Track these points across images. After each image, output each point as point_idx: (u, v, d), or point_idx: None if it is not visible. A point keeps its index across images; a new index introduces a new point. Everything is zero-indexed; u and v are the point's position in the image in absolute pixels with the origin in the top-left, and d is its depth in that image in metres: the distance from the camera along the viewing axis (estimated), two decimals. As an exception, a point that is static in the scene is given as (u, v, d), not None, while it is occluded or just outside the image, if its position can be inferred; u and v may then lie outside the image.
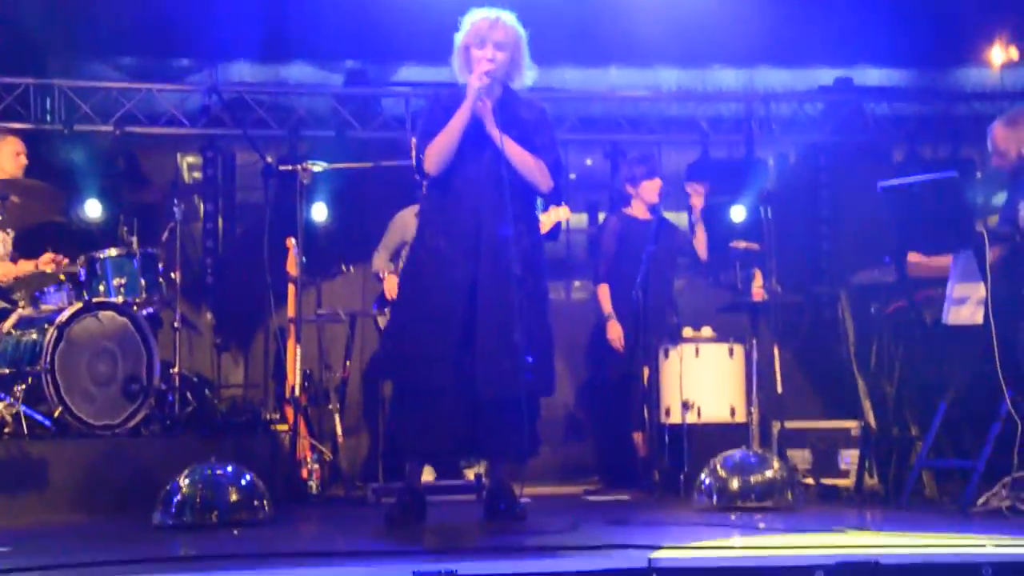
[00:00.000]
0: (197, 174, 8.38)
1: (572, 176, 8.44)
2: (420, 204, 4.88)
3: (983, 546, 3.69)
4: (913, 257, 5.53)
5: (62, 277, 6.24)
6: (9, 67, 7.59)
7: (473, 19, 4.70)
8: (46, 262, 6.26)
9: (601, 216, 8.06)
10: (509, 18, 4.71)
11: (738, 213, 7.95)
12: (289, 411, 6.31)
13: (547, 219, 6.15)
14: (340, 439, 6.49)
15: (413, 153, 4.78)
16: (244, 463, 4.88)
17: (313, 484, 6.07)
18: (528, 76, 4.77)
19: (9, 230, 6.25)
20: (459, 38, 4.72)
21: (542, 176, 4.72)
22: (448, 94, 4.77)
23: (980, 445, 5.04)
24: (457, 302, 4.56)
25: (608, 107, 8.51)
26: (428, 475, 6.07)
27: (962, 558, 3.42)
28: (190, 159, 8.49)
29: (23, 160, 6.40)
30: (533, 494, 5.88)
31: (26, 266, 6.26)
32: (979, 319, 5.04)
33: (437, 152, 4.63)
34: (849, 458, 6.27)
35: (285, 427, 6.27)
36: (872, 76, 8.76)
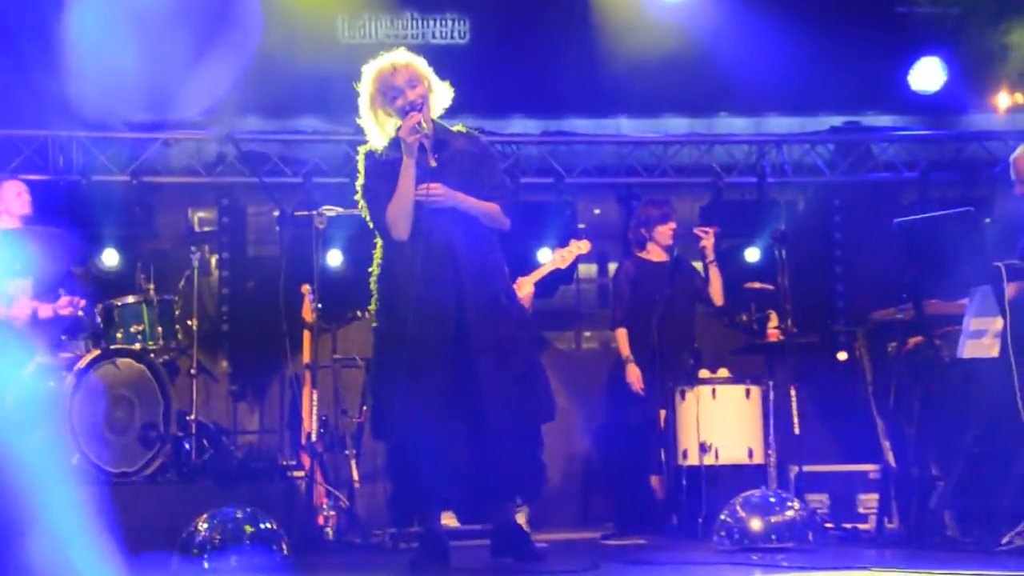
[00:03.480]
0: (209, 227, 8.43)
1: (582, 226, 8.48)
2: (386, 261, 4.65)
3: (1011, 582, 3.65)
4: (932, 305, 5.52)
5: (80, 314, 6.24)
6: (28, 120, 7.67)
7: (373, 74, 4.61)
8: (62, 305, 6.28)
9: (611, 266, 8.08)
10: (403, 55, 4.64)
11: (752, 254, 7.98)
12: (305, 458, 6.29)
13: (568, 254, 6.15)
14: (357, 485, 6.45)
15: (368, 216, 4.64)
16: (261, 510, 4.86)
17: (330, 531, 6.03)
18: (445, 96, 4.67)
19: (29, 277, 6.28)
20: (366, 97, 4.62)
21: (500, 220, 4.69)
22: (384, 148, 4.64)
23: (1002, 484, 5.00)
24: (447, 347, 4.49)
25: (620, 152, 8.57)
26: (450, 520, 6.01)
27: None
28: (201, 214, 8.55)
29: (27, 198, 6.42)
30: (549, 539, 5.83)
31: (44, 310, 6.28)
32: (995, 352, 5.01)
33: (400, 220, 4.52)
34: (867, 502, 6.23)
35: (301, 473, 6.24)
36: (880, 123, 8.82)
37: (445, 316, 4.52)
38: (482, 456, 4.54)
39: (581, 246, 6.13)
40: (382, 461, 6.23)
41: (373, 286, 4.71)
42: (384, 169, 4.59)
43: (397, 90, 4.58)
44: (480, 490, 4.67)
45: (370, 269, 4.74)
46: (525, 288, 6.35)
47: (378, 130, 4.66)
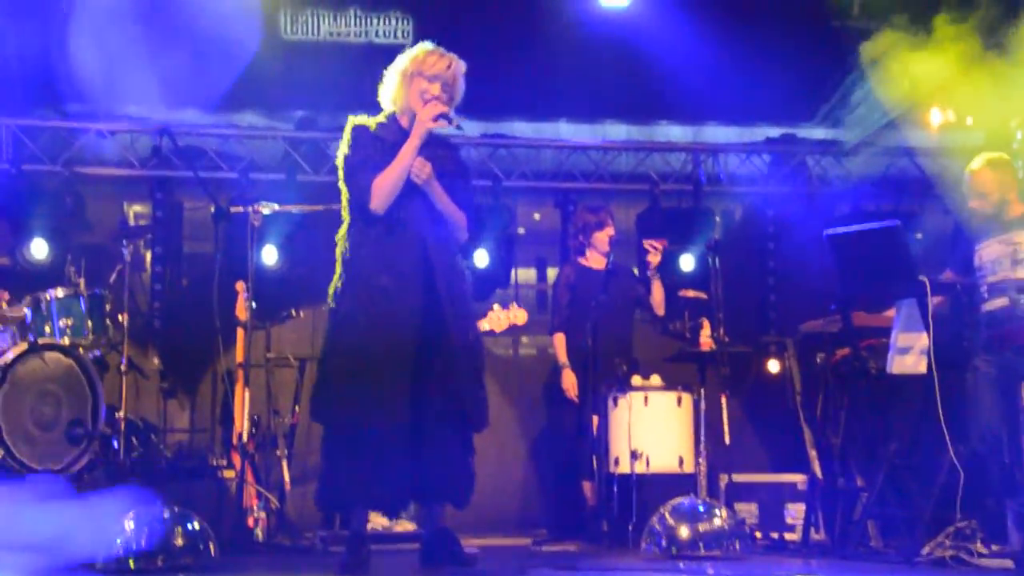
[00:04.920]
0: (144, 222, 8.31)
1: (521, 231, 8.49)
2: (354, 241, 4.63)
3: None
4: (859, 316, 5.63)
5: (8, 315, 6.12)
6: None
7: (427, 51, 4.66)
8: None
9: (550, 271, 8.08)
10: (460, 63, 4.69)
11: (687, 262, 8.05)
12: (236, 457, 6.23)
13: (504, 319, 6.11)
14: (287, 486, 6.41)
15: (344, 189, 4.63)
16: (190, 510, 4.81)
17: (259, 532, 5.98)
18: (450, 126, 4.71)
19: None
20: (405, 64, 4.66)
21: (462, 229, 4.74)
22: (377, 126, 4.67)
23: (924, 495, 5.11)
24: (409, 338, 4.50)
25: (559, 157, 8.60)
26: (379, 519, 5.97)
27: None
28: (137, 208, 8.43)
29: None
30: (481, 545, 5.84)
31: None
32: (922, 368, 5.12)
33: (387, 191, 4.52)
34: (795, 512, 6.33)
35: (232, 474, 6.18)
36: (815, 135, 8.95)
37: (413, 303, 4.52)
38: (417, 456, 4.52)
39: (518, 316, 6.09)
40: (314, 460, 6.21)
41: (339, 267, 4.65)
42: (376, 143, 4.61)
43: (435, 79, 4.59)
44: (410, 492, 4.67)
45: (337, 244, 4.68)
46: None
47: (392, 103, 4.68)
